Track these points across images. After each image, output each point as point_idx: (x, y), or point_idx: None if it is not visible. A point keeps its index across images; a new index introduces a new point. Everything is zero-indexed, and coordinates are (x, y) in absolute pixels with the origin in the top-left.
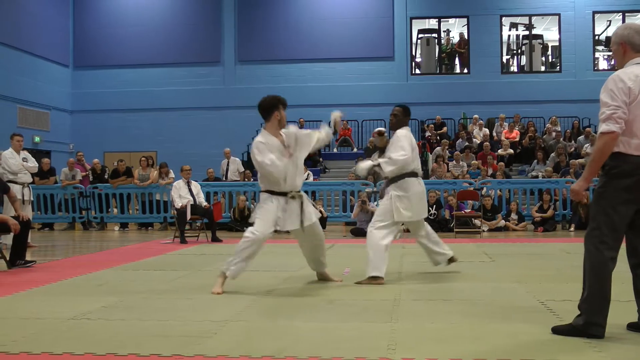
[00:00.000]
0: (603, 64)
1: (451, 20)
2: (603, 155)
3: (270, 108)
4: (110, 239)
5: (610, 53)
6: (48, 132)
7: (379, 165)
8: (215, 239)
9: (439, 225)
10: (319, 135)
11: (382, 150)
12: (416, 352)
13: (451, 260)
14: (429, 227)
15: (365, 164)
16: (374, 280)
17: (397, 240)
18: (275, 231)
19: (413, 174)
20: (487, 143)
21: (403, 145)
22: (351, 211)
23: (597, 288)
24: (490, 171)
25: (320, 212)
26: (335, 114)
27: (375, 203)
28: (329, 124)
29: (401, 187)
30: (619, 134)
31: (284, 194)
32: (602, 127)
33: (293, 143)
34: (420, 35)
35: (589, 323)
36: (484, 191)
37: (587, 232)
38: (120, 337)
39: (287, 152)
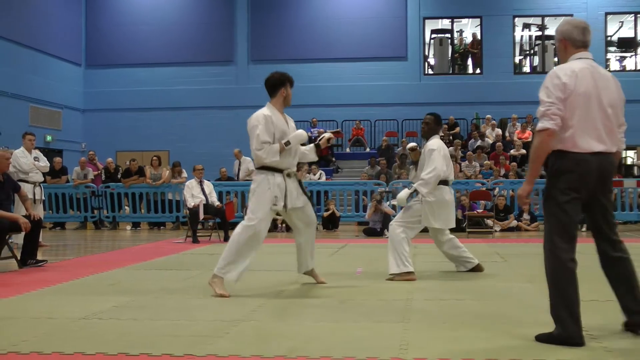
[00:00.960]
0: (615, 65)
1: (464, 21)
2: (540, 153)
3: (277, 84)
4: (122, 238)
5: (622, 54)
6: (60, 131)
7: (415, 190)
8: (227, 239)
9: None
10: (304, 149)
11: (416, 163)
12: (428, 352)
13: (476, 268)
14: (455, 240)
15: (403, 194)
16: (406, 275)
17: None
18: (275, 227)
19: (445, 182)
20: (500, 143)
21: (434, 160)
22: (364, 211)
23: (560, 294)
24: (502, 171)
25: (334, 211)
26: (328, 134)
27: (388, 203)
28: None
29: (434, 194)
30: (555, 130)
31: (280, 170)
32: (538, 125)
33: (294, 128)
34: (433, 36)
35: (565, 334)
36: (496, 191)
37: (544, 236)
38: (131, 336)
39: (287, 131)
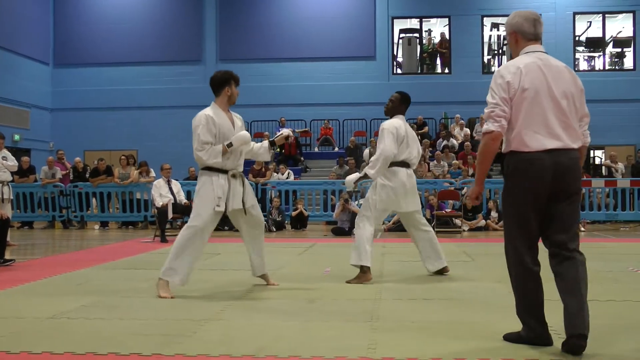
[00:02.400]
0: (584, 65)
1: (432, 20)
2: (486, 156)
3: (222, 83)
4: (91, 237)
5: (590, 54)
6: (28, 130)
7: (365, 175)
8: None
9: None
10: (255, 145)
11: None
12: (397, 352)
13: (443, 271)
14: (432, 234)
15: (352, 177)
16: (362, 275)
17: (377, 239)
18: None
19: (402, 164)
20: (468, 143)
21: (382, 139)
22: (332, 210)
23: (523, 297)
24: (470, 171)
25: (302, 211)
26: (287, 131)
27: (357, 203)
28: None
29: (386, 176)
30: (500, 133)
31: (224, 171)
32: (483, 127)
33: (242, 126)
34: (401, 35)
35: (532, 334)
36: (464, 191)
37: (504, 238)
38: (100, 336)
39: (231, 131)
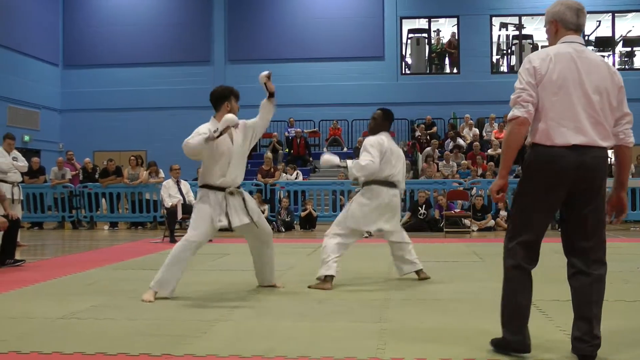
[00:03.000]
0: None
1: (441, 20)
2: (512, 144)
3: (221, 98)
4: (100, 238)
5: (600, 53)
6: (38, 131)
7: (345, 167)
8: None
9: (429, 225)
10: (265, 115)
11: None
12: (405, 352)
13: (420, 274)
14: (405, 237)
15: (329, 157)
16: (322, 282)
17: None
18: (220, 230)
19: (385, 183)
20: (477, 143)
21: (369, 151)
22: (341, 211)
23: (509, 300)
24: (480, 171)
25: (311, 211)
26: (261, 77)
27: None
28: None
29: (365, 195)
30: (526, 119)
31: (222, 189)
32: (509, 114)
33: (243, 135)
34: (410, 35)
35: (508, 340)
36: (473, 191)
37: (505, 236)
38: (109, 336)
39: (230, 147)
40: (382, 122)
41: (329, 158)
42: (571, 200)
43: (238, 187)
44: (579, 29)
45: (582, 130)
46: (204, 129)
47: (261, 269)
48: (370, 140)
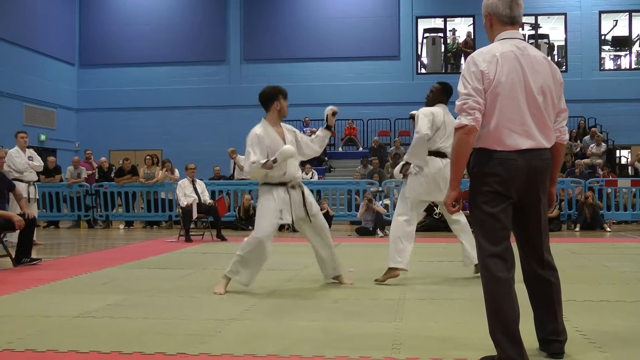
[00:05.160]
0: (609, 64)
1: (457, 20)
2: (460, 154)
3: (270, 98)
4: (116, 237)
5: (617, 53)
6: (54, 131)
7: (407, 163)
8: (220, 237)
9: (444, 224)
10: (317, 144)
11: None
12: (420, 352)
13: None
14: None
15: (397, 167)
16: (390, 272)
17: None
18: (282, 227)
19: (437, 154)
20: None
21: (417, 123)
22: (356, 210)
23: (495, 313)
24: None
25: (327, 211)
26: (328, 109)
27: (381, 202)
28: (325, 121)
29: (418, 165)
30: (474, 127)
31: (283, 184)
32: (455, 122)
33: (293, 140)
34: (426, 35)
35: (504, 356)
36: None
37: (476, 249)
38: (125, 335)
39: (281, 145)
40: (440, 95)
41: (396, 169)
42: (522, 202)
43: (298, 182)
44: (514, 22)
45: (530, 134)
46: (255, 141)
47: (322, 263)
48: (421, 110)
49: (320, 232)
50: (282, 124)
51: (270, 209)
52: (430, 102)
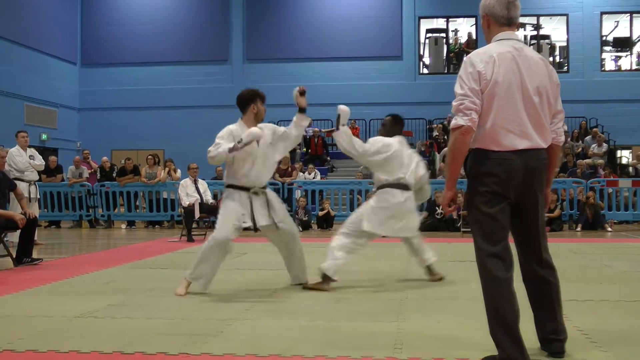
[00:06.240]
0: (610, 65)
1: (459, 20)
2: (456, 154)
3: (248, 101)
4: (118, 237)
5: (618, 54)
6: (55, 130)
7: (338, 129)
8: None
9: (446, 224)
10: (292, 133)
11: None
12: (422, 352)
13: (431, 272)
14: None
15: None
16: (321, 282)
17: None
18: (245, 229)
19: (396, 185)
20: None
21: (371, 142)
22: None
23: (495, 313)
24: None
25: (328, 211)
26: (294, 90)
27: None
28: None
29: (381, 198)
30: (470, 127)
31: (246, 189)
32: (452, 122)
33: (270, 135)
34: (428, 35)
35: (505, 356)
36: None
37: (475, 250)
38: (126, 335)
39: (255, 147)
40: (391, 127)
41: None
42: (520, 202)
43: (263, 188)
44: (512, 23)
45: (526, 134)
46: (227, 133)
47: (289, 267)
48: (379, 138)
49: (288, 243)
50: (260, 125)
51: (233, 211)
52: (384, 135)
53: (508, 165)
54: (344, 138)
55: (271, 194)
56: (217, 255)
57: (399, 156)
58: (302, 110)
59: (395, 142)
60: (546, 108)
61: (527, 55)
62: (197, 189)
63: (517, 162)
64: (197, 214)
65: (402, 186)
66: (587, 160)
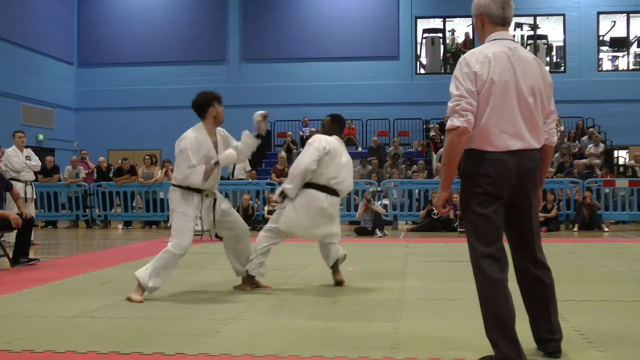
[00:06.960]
0: (607, 65)
1: (456, 20)
2: (452, 155)
3: (205, 105)
4: (114, 237)
5: (615, 54)
6: (52, 130)
7: (282, 193)
8: (219, 237)
9: (443, 224)
10: (240, 148)
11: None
12: (419, 352)
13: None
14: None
15: (277, 191)
16: (247, 282)
17: (400, 239)
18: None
19: (323, 189)
20: None
21: (302, 153)
22: (355, 210)
23: (490, 313)
24: None
25: None
26: (256, 115)
27: (380, 202)
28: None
29: (300, 197)
30: (466, 128)
31: (199, 191)
32: (447, 123)
33: (225, 146)
34: (425, 35)
35: (501, 356)
36: None
37: (469, 251)
38: (123, 335)
39: (214, 155)
40: (330, 127)
41: (276, 191)
42: (514, 203)
43: (212, 191)
44: (506, 23)
45: (520, 135)
46: (194, 145)
47: (236, 262)
48: (311, 140)
49: (236, 238)
50: (219, 129)
51: (189, 218)
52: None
53: (501, 165)
54: (296, 185)
55: (219, 195)
56: (171, 267)
57: (333, 157)
58: (258, 136)
59: (335, 142)
60: (540, 108)
61: (521, 55)
62: None
63: (511, 162)
64: None
65: (329, 190)
66: (584, 160)
